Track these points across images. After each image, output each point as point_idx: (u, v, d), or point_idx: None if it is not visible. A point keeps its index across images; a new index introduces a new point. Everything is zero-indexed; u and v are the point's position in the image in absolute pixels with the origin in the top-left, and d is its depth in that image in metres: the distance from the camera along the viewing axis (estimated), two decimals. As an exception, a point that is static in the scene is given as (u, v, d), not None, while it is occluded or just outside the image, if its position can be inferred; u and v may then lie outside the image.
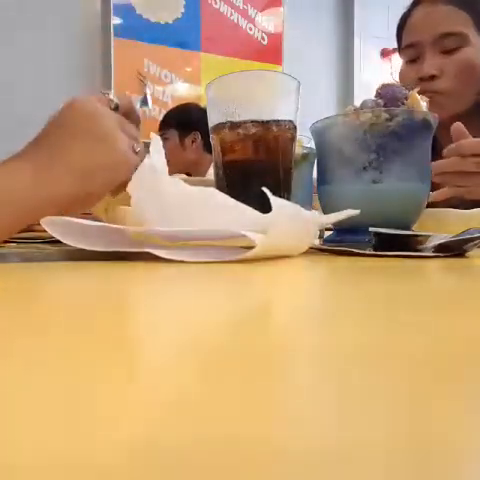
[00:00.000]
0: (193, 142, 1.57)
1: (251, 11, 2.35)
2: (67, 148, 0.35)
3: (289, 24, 2.42)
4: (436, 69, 0.79)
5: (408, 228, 0.44)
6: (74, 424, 0.06)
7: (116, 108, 0.39)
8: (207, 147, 1.53)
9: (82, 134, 0.35)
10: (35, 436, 0.06)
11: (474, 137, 0.62)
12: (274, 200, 0.28)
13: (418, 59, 0.83)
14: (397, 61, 0.92)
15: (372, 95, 0.48)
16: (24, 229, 0.35)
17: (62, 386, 0.08)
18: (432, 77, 0.79)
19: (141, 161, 0.35)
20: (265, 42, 2.39)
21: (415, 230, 0.46)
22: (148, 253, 0.29)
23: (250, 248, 0.28)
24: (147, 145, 0.35)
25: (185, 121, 1.57)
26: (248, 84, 0.41)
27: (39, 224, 0.30)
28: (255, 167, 0.40)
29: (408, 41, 0.85)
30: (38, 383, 0.08)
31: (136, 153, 0.37)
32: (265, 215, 0.28)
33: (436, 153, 0.52)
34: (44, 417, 0.06)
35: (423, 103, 0.45)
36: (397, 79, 0.86)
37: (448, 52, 0.80)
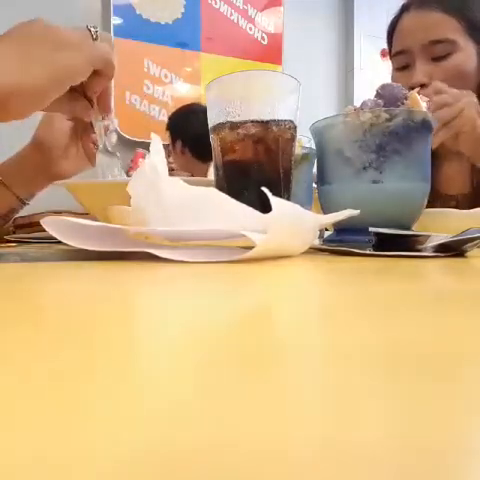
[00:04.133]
0: (180, 151, 1.54)
1: (251, 11, 2.35)
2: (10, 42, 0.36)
3: (289, 24, 2.42)
4: (426, 77, 0.79)
5: (408, 228, 0.44)
6: (73, 427, 0.06)
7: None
8: (197, 154, 1.48)
9: (40, 36, 0.37)
10: (33, 439, 0.06)
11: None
12: (274, 200, 0.28)
13: (409, 66, 0.83)
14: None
15: (372, 95, 0.47)
16: (24, 227, 0.36)
17: (62, 387, 0.08)
18: (423, 85, 0.78)
19: (106, 46, 0.38)
20: (265, 42, 2.39)
21: (415, 230, 0.46)
22: (148, 253, 0.29)
23: (250, 248, 0.28)
24: (148, 145, 0.36)
25: (172, 127, 1.54)
26: (248, 84, 0.41)
27: (39, 224, 0.30)
28: (255, 167, 0.40)
29: (398, 48, 0.85)
30: (37, 384, 0.08)
31: (95, 39, 0.40)
32: (265, 215, 0.28)
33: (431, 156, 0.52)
34: (41, 421, 0.06)
35: (423, 103, 0.45)
36: None
37: (438, 59, 0.79)
